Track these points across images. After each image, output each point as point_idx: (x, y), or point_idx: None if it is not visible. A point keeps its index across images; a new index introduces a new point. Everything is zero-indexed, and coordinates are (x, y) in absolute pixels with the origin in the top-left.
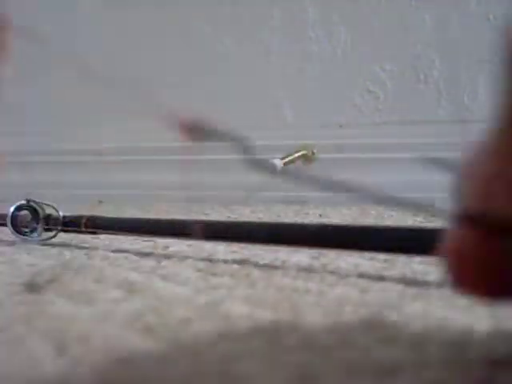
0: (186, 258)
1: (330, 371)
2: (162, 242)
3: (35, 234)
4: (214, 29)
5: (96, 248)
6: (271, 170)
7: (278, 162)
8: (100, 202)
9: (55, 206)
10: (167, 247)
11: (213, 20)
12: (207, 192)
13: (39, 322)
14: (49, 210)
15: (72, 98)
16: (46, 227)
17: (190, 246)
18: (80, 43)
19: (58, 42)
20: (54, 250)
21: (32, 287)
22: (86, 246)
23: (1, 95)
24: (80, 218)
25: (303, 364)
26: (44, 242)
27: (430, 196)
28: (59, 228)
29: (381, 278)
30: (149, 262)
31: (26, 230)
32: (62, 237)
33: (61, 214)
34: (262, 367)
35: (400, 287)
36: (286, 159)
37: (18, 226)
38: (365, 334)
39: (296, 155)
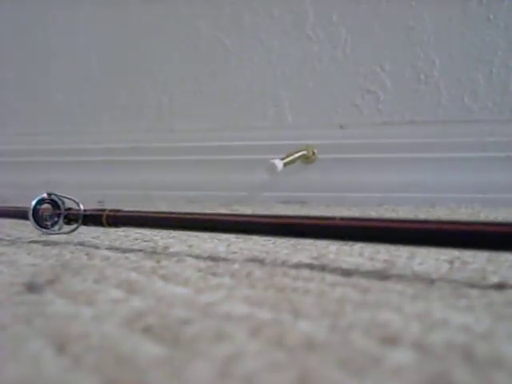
0: (186, 257)
1: (330, 371)
2: (162, 242)
3: (56, 228)
4: (214, 29)
5: (96, 248)
6: (271, 170)
7: (279, 163)
8: (100, 202)
9: (76, 199)
10: (167, 247)
11: (213, 20)
12: (207, 192)
13: (39, 321)
14: (70, 204)
15: (72, 98)
16: (67, 221)
17: (190, 246)
18: (80, 43)
19: (58, 42)
20: (54, 250)
21: (32, 287)
22: (86, 246)
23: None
24: (101, 211)
25: (303, 364)
26: (44, 242)
27: (430, 196)
28: (80, 222)
29: (381, 278)
30: (149, 262)
31: (48, 223)
32: (63, 237)
33: (82, 207)
34: (261, 367)
35: (400, 287)
36: (286, 159)
37: (39, 219)
38: (365, 333)
39: (296, 155)
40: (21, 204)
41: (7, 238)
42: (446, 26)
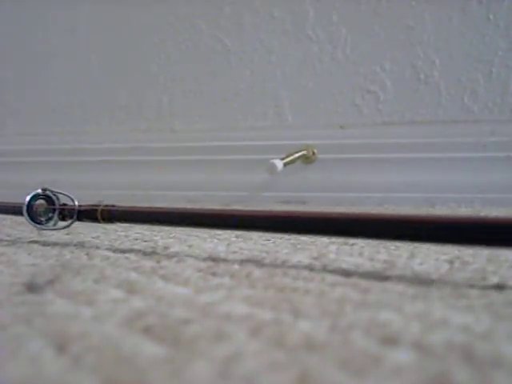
0: (186, 258)
1: (329, 371)
2: (162, 242)
3: (50, 224)
4: (214, 29)
5: (96, 248)
6: (271, 169)
7: (279, 163)
8: (100, 202)
9: (71, 195)
10: (167, 247)
11: (213, 20)
12: (207, 192)
13: (39, 321)
14: (65, 200)
15: (72, 98)
16: (62, 216)
17: (190, 246)
18: (80, 43)
19: (58, 42)
20: (54, 250)
21: (32, 287)
22: (86, 246)
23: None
24: (96, 207)
25: (303, 364)
26: (44, 242)
27: (430, 196)
28: (75, 217)
29: (381, 278)
30: (149, 262)
31: (42, 218)
32: (63, 237)
33: (76, 203)
34: (261, 367)
35: (400, 287)
36: (286, 159)
37: (34, 215)
38: (365, 334)
39: (296, 155)
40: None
41: (7, 238)
42: (446, 25)
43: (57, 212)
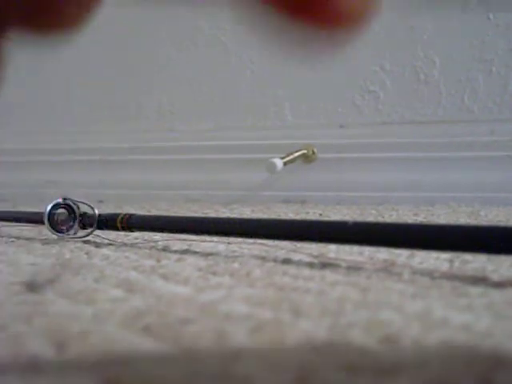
0: (186, 256)
1: (330, 371)
2: (162, 241)
3: (71, 232)
4: (213, 28)
5: (96, 247)
6: (271, 169)
7: (278, 162)
8: (100, 202)
9: (91, 204)
10: (167, 246)
11: (212, 19)
12: (207, 191)
13: (39, 321)
14: (85, 209)
15: (72, 97)
16: (82, 225)
17: (190, 245)
18: (80, 43)
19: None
20: (54, 249)
21: (32, 287)
22: (86, 245)
23: (1, 95)
24: (116, 216)
25: (303, 364)
26: (44, 242)
27: (430, 195)
28: (95, 226)
29: (381, 277)
30: (148, 261)
31: (63, 227)
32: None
33: (96, 212)
34: (262, 367)
35: (400, 286)
36: (286, 159)
37: (54, 224)
38: (365, 334)
39: (296, 155)
40: (21, 204)
41: (7, 238)
42: (446, 26)
43: (77, 221)
